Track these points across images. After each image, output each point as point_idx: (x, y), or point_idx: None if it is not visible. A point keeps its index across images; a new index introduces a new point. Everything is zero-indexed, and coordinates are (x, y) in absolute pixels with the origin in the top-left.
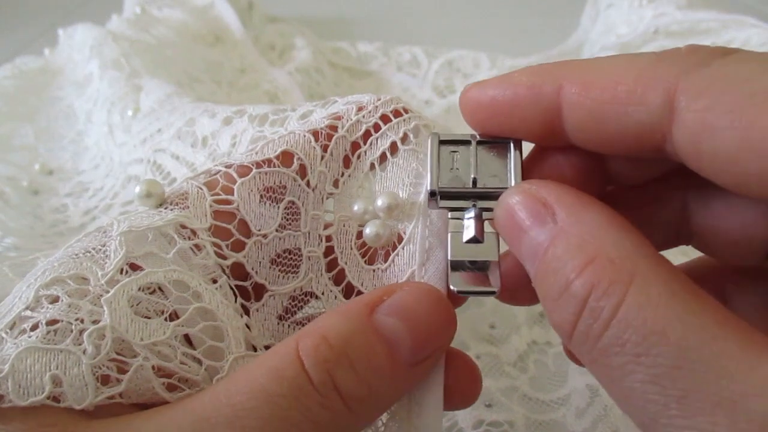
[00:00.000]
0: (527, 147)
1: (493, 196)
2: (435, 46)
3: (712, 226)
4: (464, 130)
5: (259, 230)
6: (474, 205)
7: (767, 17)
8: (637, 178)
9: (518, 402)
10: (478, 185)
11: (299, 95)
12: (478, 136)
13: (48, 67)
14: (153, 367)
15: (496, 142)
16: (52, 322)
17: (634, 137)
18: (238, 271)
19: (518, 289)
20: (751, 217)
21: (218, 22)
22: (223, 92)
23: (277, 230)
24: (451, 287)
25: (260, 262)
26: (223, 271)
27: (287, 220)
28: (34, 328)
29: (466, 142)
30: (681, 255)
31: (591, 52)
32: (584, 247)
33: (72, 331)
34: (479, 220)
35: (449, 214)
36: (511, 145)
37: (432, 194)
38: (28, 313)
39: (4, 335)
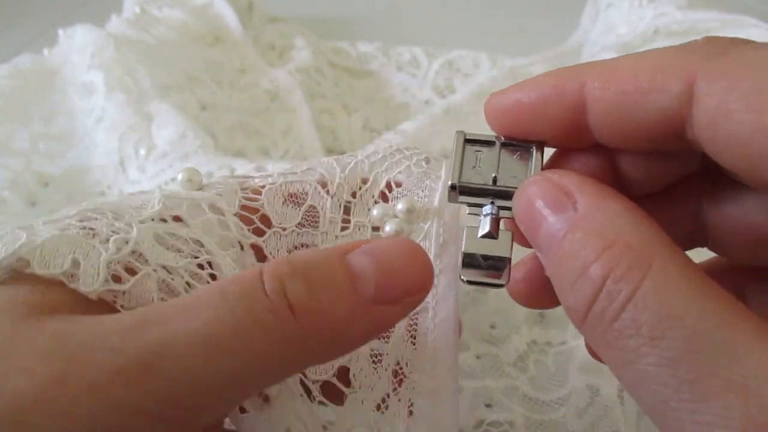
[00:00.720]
0: (548, 155)
1: (511, 194)
2: (435, 46)
3: (726, 229)
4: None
5: (280, 224)
6: (492, 203)
7: (767, 17)
8: (652, 185)
9: (518, 402)
10: (498, 184)
11: (300, 95)
12: (503, 138)
13: (45, 68)
14: (159, 281)
15: (519, 145)
16: (87, 228)
17: (656, 124)
18: (257, 255)
19: (538, 289)
20: (763, 219)
21: (218, 22)
22: (224, 93)
23: (296, 227)
24: (461, 277)
25: (278, 250)
26: (242, 248)
27: (307, 220)
28: (70, 227)
29: (490, 143)
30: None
31: (591, 52)
32: (604, 232)
33: (101, 235)
34: (495, 216)
35: (467, 210)
36: (533, 148)
37: (452, 188)
38: (70, 220)
39: (42, 224)
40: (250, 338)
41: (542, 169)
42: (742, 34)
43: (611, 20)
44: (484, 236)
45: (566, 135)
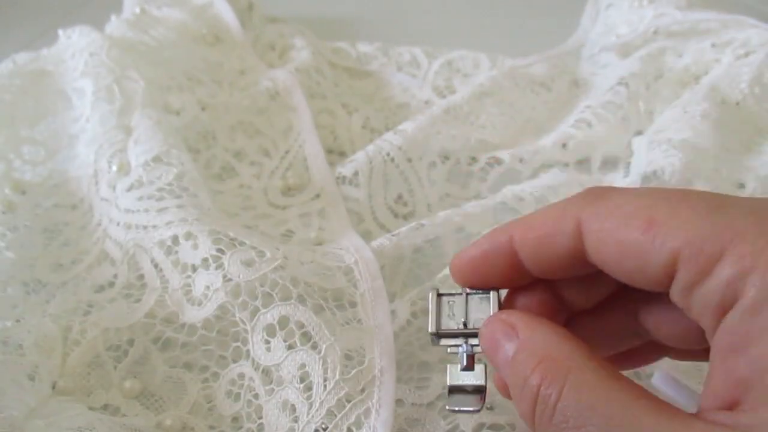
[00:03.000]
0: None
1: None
2: (435, 46)
3: (659, 327)
4: (459, 133)
5: None
6: (466, 342)
7: (767, 17)
8: (588, 301)
9: None
10: (468, 327)
11: (300, 93)
12: (467, 290)
13: (40, 67)
14: None
15: (481, 292)
16: None
17: (566, 257)
18: None
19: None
20: (680, 317)
21: (218, 22)
22: (224, 92)
23: None
24: (447, 407)
25: None
26: None
27: None
28: None
29: (459, 294)
30: None
31: (591, 53)
32: (536, 352)
33: None
34: (471, 354)
35: (448, 350)
36: (491, 294)
37: (432, 334)
38: None
39: None
40: None
41: (500, 307)
42: (741, 35)
43: (611, 20)
44: (463, 370)
45: (511, 277)
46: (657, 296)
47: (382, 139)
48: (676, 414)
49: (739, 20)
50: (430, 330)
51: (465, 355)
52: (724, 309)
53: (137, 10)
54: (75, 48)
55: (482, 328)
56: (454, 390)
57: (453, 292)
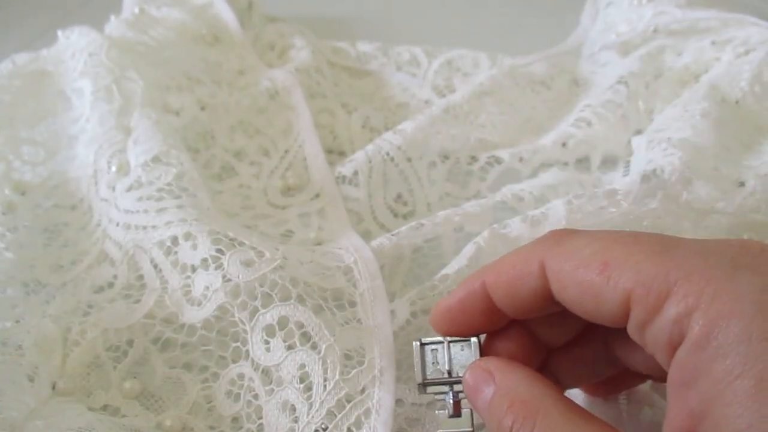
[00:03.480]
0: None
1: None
2: (435, 45)
3: (631, 357)
4: (459, 132)
5: None
6: (451, 389)
7: (767, 16)
8: (562, 337)
9: None
10: (452, 375)
11: (299, 93)
12: (448, 338)
13: (39, 68)
14: None
15: (461, 340)
16: None
17: (535, 296)
18: None
19: None
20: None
21: (217, 21)
22: (223, 92)
23: None
24: None
25: None
26: None
27: None
28: None
29: (441, 342)
30: None
31: (590, 51)
32: (508, 395)
33: None
34: (456, 400)
35: (435, 397)
36: (472, 341)
37: (419, 384)
38: None
39: None
40: None
41: (480, 353)
42: (741, 33)
43: (611, 19)
44: (451, 416)
45: (488, 320)
46: (624, 329)
47: (382, 138)
48: None
49: (740, 18)
50: (417, 381)
51: (451, 402)
52: (673, 345)
53: (136, 11)
54: (74, 48)
55: (465, 376)
56: None
57: (435, 340)
